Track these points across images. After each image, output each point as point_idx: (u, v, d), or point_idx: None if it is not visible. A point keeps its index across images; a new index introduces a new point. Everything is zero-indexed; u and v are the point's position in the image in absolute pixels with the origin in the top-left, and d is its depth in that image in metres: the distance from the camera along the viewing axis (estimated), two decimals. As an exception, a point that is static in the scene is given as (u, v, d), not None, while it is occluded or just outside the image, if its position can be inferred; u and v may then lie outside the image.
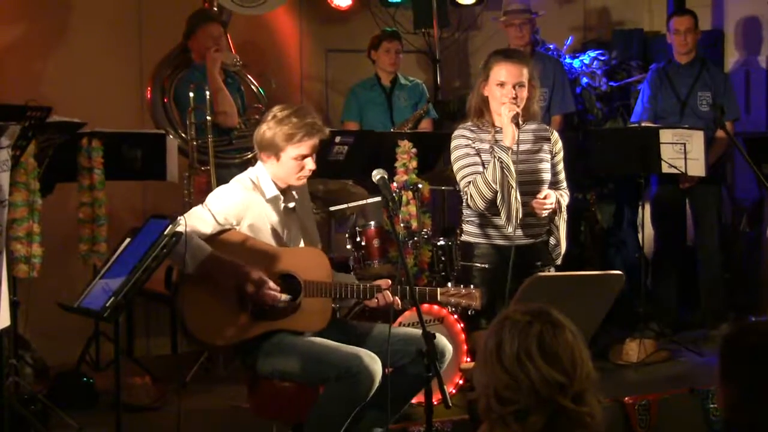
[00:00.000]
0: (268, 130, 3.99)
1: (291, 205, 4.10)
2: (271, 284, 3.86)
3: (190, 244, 3.76)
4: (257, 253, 3.93)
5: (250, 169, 4.12)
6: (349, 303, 4.17)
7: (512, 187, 4.29)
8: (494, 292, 4.39)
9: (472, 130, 4.47)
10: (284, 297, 3.88)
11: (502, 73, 4.39)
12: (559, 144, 4.60)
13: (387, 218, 3.83)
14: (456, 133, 4.51)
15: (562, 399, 2.13)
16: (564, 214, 4.51)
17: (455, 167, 4.47)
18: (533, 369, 2.12)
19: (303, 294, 3.94)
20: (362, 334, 4.05)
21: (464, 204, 4.58)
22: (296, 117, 3.98)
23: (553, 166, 4.57)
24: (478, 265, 4.46)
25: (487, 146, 4.44)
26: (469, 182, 4.37)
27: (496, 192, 4.31)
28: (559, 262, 4.58)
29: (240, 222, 3.96)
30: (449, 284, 4.10)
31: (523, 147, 4.44)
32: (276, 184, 4.04)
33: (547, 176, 4.50)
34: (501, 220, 4.42)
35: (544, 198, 4.40)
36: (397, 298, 3.98)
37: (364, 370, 3.75)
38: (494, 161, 4.29)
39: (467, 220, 4.54)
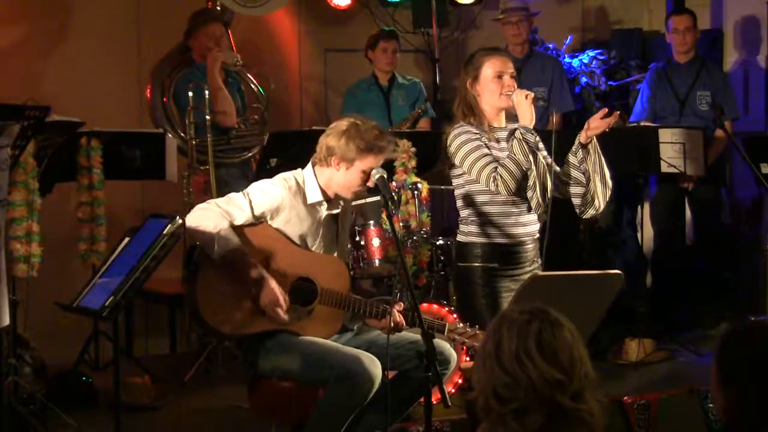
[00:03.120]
0: (346, 137, 3.95)
1: (335, 212, 4.09)
2: (283, 301, 3.86)
3: (219, 235, 3.77)
4: (282, 251, 3.94)
5: (299, 170, 4.08)
6: (358, 323, 4.15)
7: (543, 164, 4.28)
8: (496, 292, 4.37)
9: (472, 125, 4.43)
10: (287, 318, 3.89)
11: (497, 64, 4.37)
12: (537, 137, 4.56)
13: (386, 218, 3.82)
14: (458, 131, 4.42)
15: (561, 397, 2.12)
16: (604, 165, 4.39)
17: (469, 160, 4.32)
18: (532, 368, 2.12)
19: (318, 301, 3.94)
20: (364, 337, 4.06)
21: (462, 204, 4.53)
22: (377, 130, 4.00)
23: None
24: (478, 264, 4.43)
25: (494, 143, 4.39)
26: (495, 168, 4.26)
27: (526, 171, 4.26)
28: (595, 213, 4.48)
29: (273, 218, 3.96)
30: (458, 323, 4.04)
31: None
32: (323, 191, 4.02)
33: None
34: (519, 210, 4.37)
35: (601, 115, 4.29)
36: (401, 318, 3.96)
37: (364, 372, 3.75)
38: (517, 141, 4.24)
39: (467, 221, 4.50)
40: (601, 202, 4.42)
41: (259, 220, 3.94)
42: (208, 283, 3.86)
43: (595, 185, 4.37)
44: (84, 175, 5.17)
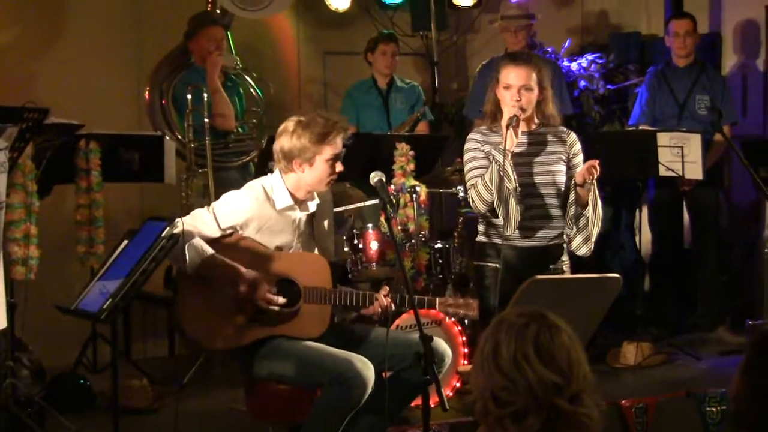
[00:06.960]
0: (296, 138, 3.94)
1: (309, 212, 4.08)
2: (267, 287, 3.85)
3: (191, 244, 3.76)
4: (258, 257, 3.93)
5: (267, 176, 4.09)
6: (349, 317, 4.16)
7: (509, 190, 4.26)
8: (506, 293, 4.37)
9: (483, 133, 4.44)
10: (280, 300, 3.88)
11: (509, 76, 4.36)
12: (577, 146, 4.51)
13: (385, 221, 3.82)
14: (468, 137, 4.51)
15: (559, 400, 2.12)
16: (599, 204, 4.42)
17: (466, 168, 4.45)
18: (530, 371, 2.12)
19: (302, 300, 3.94)
20: (360, 338, 4.05)
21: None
22: (321, 118, 4.00)
23: (571, 168, 4.48)
24: (491, 264, 4.43)
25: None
26: (472, 185, 4.36)
27: (494, 195, 4.28)
28: (587, 252, 4.47)
29: (243, 229, 3.96)
30: (447, 293, 4.08)
31: (534, 150, 4.41)
32: (293, 195, 4.02)
33: (561, 179, 4.40)
34: (536, 214, 4.38)
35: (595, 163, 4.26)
36: (388, 301, 3.97)
37: (357, 376, 3.74)
38: (493, 165, 4.27)
39: (483, 221, 4.51)
40: (593, 237, 4.41)
41: (226, 233, 3.93)
42: (190, 303, 3.86)
43: (591, 219, 4.36)
44: (82, 178, 5.16)
